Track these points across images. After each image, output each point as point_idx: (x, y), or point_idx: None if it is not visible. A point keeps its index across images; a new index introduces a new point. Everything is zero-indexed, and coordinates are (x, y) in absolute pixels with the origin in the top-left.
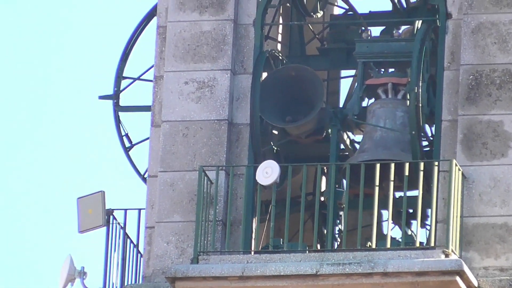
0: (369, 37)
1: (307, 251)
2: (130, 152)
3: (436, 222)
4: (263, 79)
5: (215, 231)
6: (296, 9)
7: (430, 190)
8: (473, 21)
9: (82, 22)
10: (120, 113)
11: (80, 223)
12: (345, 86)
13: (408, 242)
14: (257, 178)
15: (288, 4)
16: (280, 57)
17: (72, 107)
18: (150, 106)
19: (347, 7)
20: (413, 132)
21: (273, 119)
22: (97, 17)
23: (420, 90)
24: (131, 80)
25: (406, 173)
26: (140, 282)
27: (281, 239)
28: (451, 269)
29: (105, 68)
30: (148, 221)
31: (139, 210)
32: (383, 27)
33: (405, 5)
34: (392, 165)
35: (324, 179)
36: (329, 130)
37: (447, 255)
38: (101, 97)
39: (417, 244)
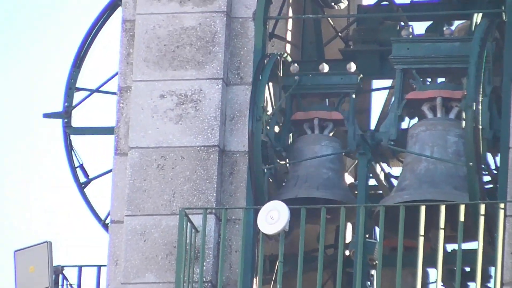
0: (410, 36)
1: None
2: (86, 189)
3: (502, 284)
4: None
5: None
6: None
7: (493, 241)
8: None
9: (23, 16)
10: (73, 137)
11: (18, 285)
12: (378, 101)
13: None
14: (258, 225)
15: None
16: (290, 63)
17: (7, 129)
18: (113, 127)
19: None
20: (471, 164)
21: None
22: (43, 9)
23: (480, 107)
24: (88, 93)
25: (462, 218)
26: None
27: None
28: None
29: (53, 77)
30: (111, 282)
31: (98, 267)
32: (430, 23)
33: None
34: (443, 208)
35: (350, 226)
36: (357, 161)
37: None
38: (46, 115)
39: None
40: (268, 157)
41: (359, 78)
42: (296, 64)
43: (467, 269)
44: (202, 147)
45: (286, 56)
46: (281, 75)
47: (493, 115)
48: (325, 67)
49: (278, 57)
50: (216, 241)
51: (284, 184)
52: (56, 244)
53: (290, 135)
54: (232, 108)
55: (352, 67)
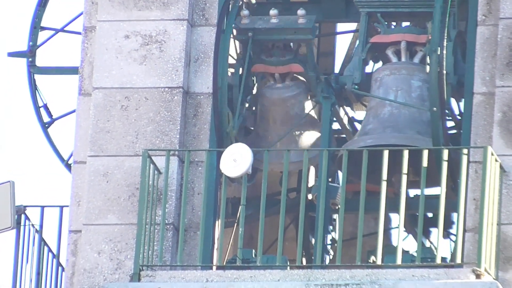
0: None
1: (289, 267)
2: (49, 129)
3: (465, 231)
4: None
5: (164, 238)
6: None
7: (456, 187)
8: None
9: None
10: (37, 76)
11: None
12: (342, 45)
13: (426, 258)
14: (221, 167)
15: None
16: (253, 4)
17: None
18: (77, 67)
19: None
20: (435, 109)
21: None
22: None
23: (445, 52)
24: (52, 32)
25: (425, 163)
26: None
27: (254, 251)
28: None
29: (17, 15)
30: (72, 223)
31: (61, 207)
32: None
33: None
34: (406, 153)
35: (312, 170)
36: (321, 105)
37: (478, 276)
38: (11, 54)
39: (438, 261)
40: (232, 100)
41: (313, 22)
42: (246, 11)
43: (430, 214)
44: (166, 89)
45: None
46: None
47: (457, 60)
48: (274, 13)
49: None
50: (178, 183)
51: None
52: (18, 184)
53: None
54: (196, 50)
55: (302, 13)
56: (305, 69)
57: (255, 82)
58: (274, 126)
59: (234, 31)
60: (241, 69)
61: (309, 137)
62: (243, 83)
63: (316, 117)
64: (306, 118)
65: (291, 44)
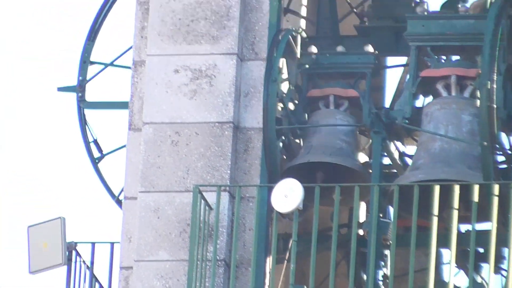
0: (425, 13)
1: None
2: (99, 165)
3: None
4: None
5: (215, 275)
6: None
7: (507, 222)
8: None
9: None
10: (87, 111)
11: (32, 260)
12: (392, 79)
13: None
14: (272, 203)
15: None
16: (305, 38)
17: (21, 102)
18: (127, 102)
19: None
20: (485, 143)
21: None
22: None
23: (495, 86)
24: (102, 67)
25: (476, 198)
26: None
27: (305, 287)
28: None
29: (67, 50)
30: (123, 259)
31: (112, 244)
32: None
33: None
34: (456, 188)
35: (363, 205)
36: (371, 140)
37: None
38: (60, 89)
39: None
40: (283, 134)
41: (375, 58)
42: (313, 47)
43: (481, 250)
44: (217, 123)
45: (301, 31)
46: (298, 51)
47: (507, 94)
48: (341, 48)
49: (293, 33)
50: (229, 219)
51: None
52: (69, 220)
53: (306, 114)
54: (246, 84)
55: (369, 47)
56: (361, 96)
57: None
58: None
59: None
60: (290, 103)
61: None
62: (296, 114)
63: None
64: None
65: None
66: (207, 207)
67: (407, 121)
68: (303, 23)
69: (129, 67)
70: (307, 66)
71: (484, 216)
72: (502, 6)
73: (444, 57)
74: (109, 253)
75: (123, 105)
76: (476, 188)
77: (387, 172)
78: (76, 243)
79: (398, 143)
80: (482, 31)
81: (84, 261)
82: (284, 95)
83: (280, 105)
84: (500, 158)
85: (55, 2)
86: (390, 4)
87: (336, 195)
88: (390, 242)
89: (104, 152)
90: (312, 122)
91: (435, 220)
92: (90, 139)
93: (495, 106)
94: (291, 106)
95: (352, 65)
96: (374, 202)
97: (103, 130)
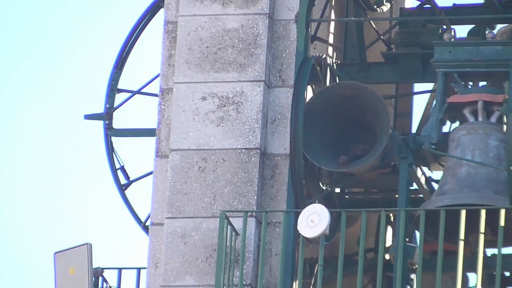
0: (452, 39)
1: None
2: (126, 191)
3: None
4: (307, 99)
5: None
6: (354, 1)
7: None
8: None
9: (66, 17)
10: (114, 138)
11: (58, 286)
12: (419, 105)
13: None
14: (299, 228)
15: None
16: (332, 65)
17: (49, 130)
18: (154, 129)
19: None
20: None
21: (320, 158)
22: (85, 11)
23: None
24: (129, 94)
25: (502, 223)
26: None
27: None
28: None
29: (94, 78)
30: (150, 284)
31: (138, 269)
32: (472, 26)
33: None
34: (483, 212)
35: (390, 230)
36: (398, 164)
37: None
38: (88, 117)
39: None
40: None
41: None
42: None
43: (507, 273)
44: (243, 150)
45: (325, 58)
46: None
47: None
48: None
49: (321, 60)
50: (256, 244)
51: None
52: (96, 246)
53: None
54: (273, 111)
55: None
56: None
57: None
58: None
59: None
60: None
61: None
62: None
63: None
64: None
65: None
66: (233, 233)
67: (434, 146)
68: (330, 50)
69: (156, 95)
70: None
71: (511, 240)
72: None
73: (471, 83)
74: (136, 279)
75: (150, 132)
76: (502, 212)
77: (413, 197)
78: (102, 269)
79: (425, 168)
80: (509, 57)
81: (111, 287)
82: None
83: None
84: None
85: (83, 29)
86: (417, 31)
87: (363, 220)
88: (416, 266)
89: (131, 179)
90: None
91: (461, 245)
92: (117, 166)
93: None
94: None
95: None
96: (400, 226)
97: (130, 157)
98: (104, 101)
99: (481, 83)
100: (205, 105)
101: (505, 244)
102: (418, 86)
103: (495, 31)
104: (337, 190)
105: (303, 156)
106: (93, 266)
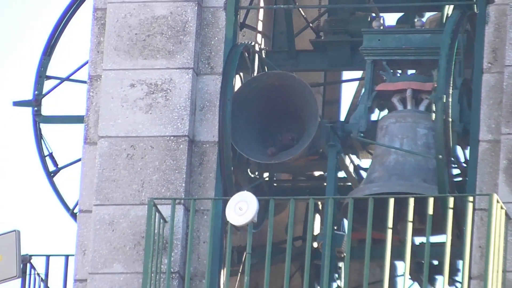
0: (381, 27)
1: None
2: (54, 178)
3: (470, 278)
4: (236, 87)
5: (170, 287)
6: None
7: (462, 235)
8: None
9: None
10: (42, 125)
11: None
12: (348, 93)
13: None
14: (227, 215)
15: None
16: (261, 53)
17: None
18: (82, 116)
19: None
20: (440, 156)
21: (248, 149)
22: None
23: (451, 100)
24: (58, 81)
25: (430, 211)
26: None
27: None
28: None
29: (23, 64)
30: (78, 271)
31: (66, 256)
32: (401, 14)
33: None
34: (411, 201)
35: (318, 218)
36: (326, 152)
37: None
38: (16, 103)
39: None
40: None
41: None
42: None
43: (435, 262)
44: (172, 137)
45: (253, 45)
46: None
47: (463, 108)
48: None
49: (249, 48)
50: (184, 232)
51: None
52: (24, 233)
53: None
54: (202, 98)
55: None
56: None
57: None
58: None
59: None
60: None
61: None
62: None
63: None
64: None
65: None
66: (161, 220)
67: (362, 134)
68: (259, 37)
69: (85, 82)
70: None
71: (439, 228)
72: (458, 20)
73: (399, 71)
74: (64, 266)
75: (78, 119)
76: (431, 201)
77: (341, 185)
78: (30, 255)
79: (353, 156)
80: (438, 45)
81: (38, 274)
82: None
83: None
84: (456, 171)
85: (11, 16)
86: (346, 19)
87: (290, 208)
88: (345, 254)
89: (59, 166)
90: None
91: (389, 233)
92: (46, 152)
93: (450, 119)
94: None
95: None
96: (328, 214)
97: (59, 144)
98: (32, 87)
99: (410, 71)
100: (133, 92)
101: (433, 233)
102: (346, 74)
103: (424, 19)
104: (266, 175)
105: (232, 145)
106: (21, 253)
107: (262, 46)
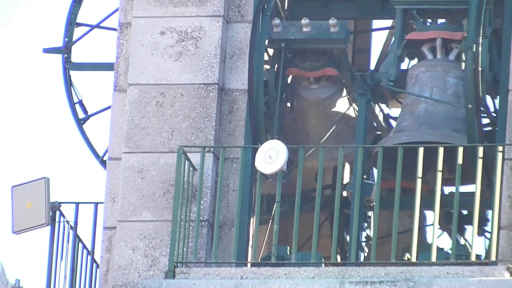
0: None
1: (323, 265)
2: (84, 126)
3: (499, 228)
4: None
5: (199, 235)
6: None
7: (491, 185)
8: None
9: None
10: (72, 72)
11: (15, 220)
12: (378, 42)
13: (460, 255)
14: (256, 164)
15: None
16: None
17: (7, 63)
18: (112, 63)
19: None
20: (470, 106)
21: None
22: None
23: (480, 49)
24: (88, 29)
25: (460, 161)
26: None
27: (288, 248)
28: None
29: (53, 11)
30: (107, 219)
31: (96, 204)
32: None
33: None
34: (441, 150)
35: (348, 167)
36: (356, 102)
37: None
38: (46, 50)
39: (473, 258)
40: (268, 97)
41: (345, 31)
42: (278, 20)
43: (465, 212)
44: (202, 85)
45: None
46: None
47: (493, 57)
48: (306, 23)
49: None
50: (213, 180)
51: None
52: (53, 180)
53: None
54: (232, 46)
55: (334, 24)
56: (340, 71)
57: (289, 82)
58: (312, 125)
59: (267, 41)
60: (276, 66)
61: (346, 135)
62: (280, 81)
63: (354, 114)
64: (344, 117)
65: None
66: (191, 168)
67: (392, 83)
68: None
69: (115, 29)
70: (282, 44)
71: (468, 178)
72: None
73: (429, 20)
74: (93, 214)
75: (108, 66)
76: (460, 150)
77: (372, 135)
78: (60, 203)
79: (383, 106)
80: None
81: (67, 221)
82: (270, 60)
83: (266, 67)
84: (485, 121)
85: None
86: None
87: (320, 156)
88: (374, 203)
89: (89, 113)
90: (298, 94)
91: (419, 182)
92: (76, 100)
93: (480, 69)
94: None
95: (322, 42)
96: (358, 163)
97: (89, 92)
98: (63, 34)
99: (440, 20)
100: (163, 40)
101: (463, 182)
102: (376, 23)
103: None
104: None
105: (263, 91)
106: (50, 201)
107: None
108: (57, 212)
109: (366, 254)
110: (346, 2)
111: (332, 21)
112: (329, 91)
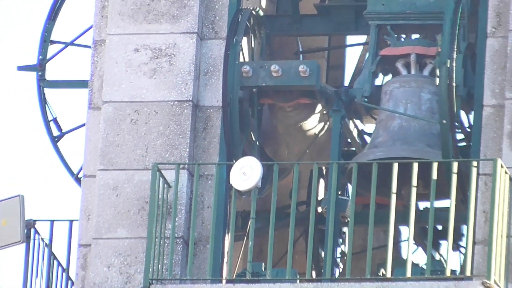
0: None
1: (298, 281)
2: (59, 143)
3: (474, 243)
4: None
5: (174, 252)
6: None
7: (466, 199)
8: None
9: None
10: (46, 90)
11: None
12: (352, 57)
13: (435, 270)
14: (231, 181)
15: None
16: (263, 18)
17: None
18: (87, 81)
19: None
20: (444, 121)
21: None
22: None
23: (455, 64)
24: (62, 46)
25: (434, 176)
26: None
27: (263, 264)
28: None
29: (27, 29)
30: (82, 236)
31: (70, 221)
32: None
33: None
34: (415, 166)
35: (322, 183)
36: (330, 118)
37: None
38: (21, 68)
39: (448, 273)
40: (242, 114)
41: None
42: (247, 67)
43: (439, 227)
44: (176, 102)
45: (258, 10)
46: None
47: (467, 72)
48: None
49: (253, 12)
50: (188, 197)
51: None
52: (28, 198)
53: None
54: (206, 63)
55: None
56: (314, 98)
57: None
58: (288, 145)
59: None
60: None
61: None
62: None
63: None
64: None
65: None
66: (166, 185)
67: (366, 99)
68: (263, 1)
69: (89, 46)
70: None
71: (443, 193)
72: None
73: (404, 36)
74: (68, 231)
75: (83, 84)
76: (435, 165)
77: (346, 150)
78: (35, 220)
79: (357, 121)
80: (442, 9)
81: (42, 239)
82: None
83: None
84: (460, 136)
85: None
86: None
87: (295, 173)
88: (349, 219)
89: (63, 131)
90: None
91: (393, 198)
92: (50, 117)
93: (454, 84)
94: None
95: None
96: (333, 179)
97: (63, 109)
98: (37, 52)
99: (414, 36)
100: (137, 57)
101: (438, 198)
102: (351, 39)
103: None
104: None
105: (238, 107)
106: (25, 218)
107: (266, 10)
108: (32, 230)
109: (341, 270)
110: (319, 18)
111: (301, 68)
112: (305, 115)
